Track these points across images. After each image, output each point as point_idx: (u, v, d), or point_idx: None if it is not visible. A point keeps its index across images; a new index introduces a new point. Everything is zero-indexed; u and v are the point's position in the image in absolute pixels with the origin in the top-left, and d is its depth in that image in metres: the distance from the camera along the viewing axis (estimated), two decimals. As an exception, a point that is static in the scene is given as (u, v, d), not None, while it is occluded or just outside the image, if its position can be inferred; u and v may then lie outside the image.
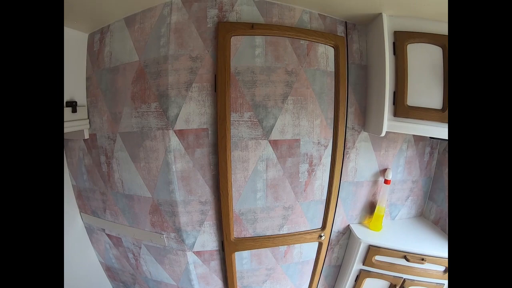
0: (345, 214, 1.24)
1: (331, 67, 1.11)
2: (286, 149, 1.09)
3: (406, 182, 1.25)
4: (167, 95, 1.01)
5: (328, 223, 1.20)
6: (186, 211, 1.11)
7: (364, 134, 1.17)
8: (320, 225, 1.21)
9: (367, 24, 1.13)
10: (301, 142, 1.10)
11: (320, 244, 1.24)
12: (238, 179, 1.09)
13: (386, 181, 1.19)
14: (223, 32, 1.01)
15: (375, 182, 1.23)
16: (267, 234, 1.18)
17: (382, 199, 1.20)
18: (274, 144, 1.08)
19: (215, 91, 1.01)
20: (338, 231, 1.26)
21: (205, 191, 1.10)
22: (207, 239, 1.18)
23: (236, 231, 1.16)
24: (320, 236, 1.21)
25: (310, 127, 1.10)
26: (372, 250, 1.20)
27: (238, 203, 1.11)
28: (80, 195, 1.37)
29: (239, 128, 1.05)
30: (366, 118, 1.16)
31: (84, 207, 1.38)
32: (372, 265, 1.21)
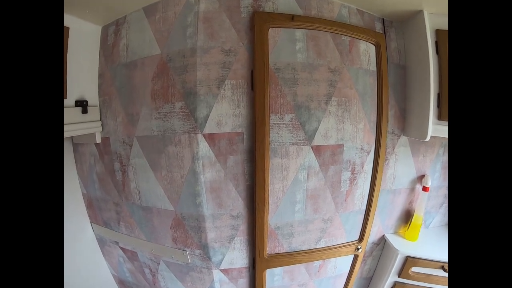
0: (381, 224, 0.91)
1: (373, 66, 0.78)
2: (329, 155, 0.75)
3: (441, 188, 0.93)
4: (195, 93, 0.66)
5: (366, 235, 0.86)
6: (214, 226, 0.74)
7: (403, 139, 0.85)
8: (357, 237, 0.86)
9: (405, 22, 0.82)
10: (344, 148, 0.76)
11: (356, 257, 0.89)
12: (276, 190, 0.73)
13: (425, 188, 0.87)
14: (260, 23, 0.66)
15: (412, 190, 0.90)
16: (303, 249, 0.82)
17: (420, 208, 0.88)
18: (317, 150, 0.73)
19: (252, 89, 0.67)
20: (372, 242, 0.92)
21: (237, 204, 0.73)
22: (237, 256, 0.80)
23: (270, 247, 0.79)
24: (357, 249, 0.86)
25: (353, 131, 0.76)
26: (409, 261, 0.86)
27: (275, 216, 0.75)
28: (91, 205, 0.95)
29: (279, 132, 0.70)
30: (406, 122, 0.84)
31: (95, 218, 0.97)
32: (408, 277, 0.88)
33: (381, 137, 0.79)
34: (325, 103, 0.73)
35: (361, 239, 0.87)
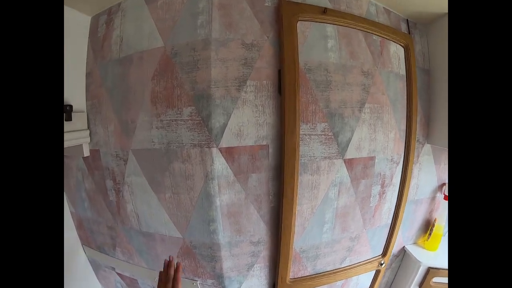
0: (402, 236, 0.76)
1: (402, 70, 0.63)
2: (361, 169, 0.59)
3: (458, 197, 0.87)
4: (209, 96, 0.46)
5: (389, 249, 0.71)
6: (231, 254, 0.55)
7: (427, 147, 0.71)
8: (381, 252, 0.71)
9: (430, 24, 0.68)
10: (376, 160, 0.60)
11: (378, 272, 0.74)
12: (304, 210, 0.55)
13: (446, 197, 0.74)
14: (289, 14, 0.48)
15: (433, 199, 0.77)
16: (328, 269, 0.65)
17: (441, 217, 0.75)
18: (349, 164, 0.57)
19: (280, 92, 0.49)
20: (393, 254, 0.76)
21: (259, 229, 0.55)
22: (255, 284, 0.61)
23: (293, 271, 0.61)
24: (381, 264, 0.71)
25: (385, 142, 0.61)
26: (431, 272, 0.75)
27: (301, 239, 0.58)
28: (81, 225, 0.72)
29: (311, 144, 0.52)
30: (430, 129, 0.70)
31: (86, 240, 0.73)
32: None
33: (410, 147, 0.65)
34: (359, 110, 0.57)
35: (384, 253, 0.72)
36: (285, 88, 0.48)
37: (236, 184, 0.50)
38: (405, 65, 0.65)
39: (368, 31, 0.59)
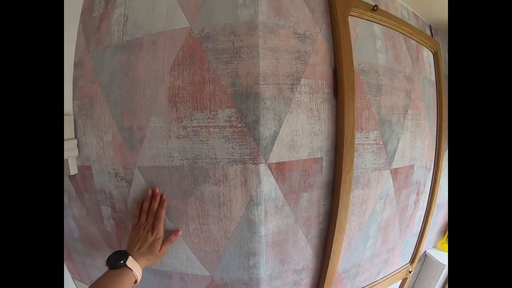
0: (425, 241, 0.70)
1: (433, 76, 0.56)
2: (403, 179, 0.49)
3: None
4: (256, 94, 0.30)
5: (417, 256, 0.63)
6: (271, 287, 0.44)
7: (447, 152, 0.64)
8: (409, 259, 0.63)
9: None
10: (414, 168, 0.51)
11: (404, 280, 0.65)
12: (352, 228, 0.43)
13: None
14: (342, 6, 0.36)
15: None
16: (365, 285, 0.54)
17: None
18: (395, 174, 0.47)
19: (335, 95, 0.36)
20: None
21: (305, 255, 0.41)
22: None
23: None
24: (409, 272, 0.62)
25: (422, 149, 0.52)
26: None
27: (345, 259, 0.46)
28: (70, 257, 0.50)
29: (364, 155, 0.40)
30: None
31: (78, 274, 0.51)
32: None
33: (440, 153, 0.59)
34: (403, 116, 0.47)
35: (412, 261, 0.65)
36: (343, 91, 0.35)
37: (285, 207, 0.36)
38: (435, 71, 0.60)
39: (407, 34, 0.52)
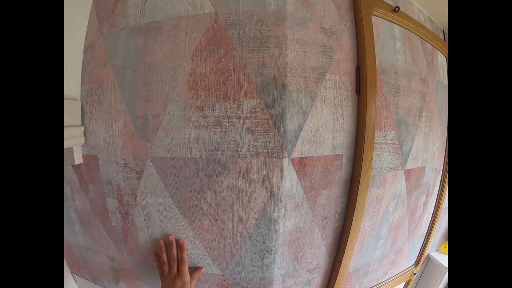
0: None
1: (446, 80, 0.57)
2: (414, 180, 0.50)
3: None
4: (283, 86, 0.30)
5: (422, 258, 0.64)
6: (283, 287, 0.44)
7: None
8: (414, 261, 0.64)
9: None
10: (426, 170, 0.53)
11: (408, 282, 0.67)
12: (365, 227, 0.44)
13: None
14: (366, 5, 0.36)
15: None
16: (372, 285, 0.55)
17: None
18: (408, 174, 0.48)
19: (357, 93, 0.36)
20: None
21: (319, 254, 0.41)
22: None
23: None
24: (414, 274, 0.64)
25: (433, 151, 0.54)
26: None
27: (357, 259, 0.46)
28: (69, 251, 0.48)
29: (381, 154, 0.41)
30: None
31: (78, 269, 0.49)
32: None
33: (448, 156, 0.62)
34: (418, 118, 0.48)
35: (417, 263, 0.66)
36: (366, 89, 0.36)
37: (304, 204, 0.35)
38: (448, 76, 0.63)
39: (424, 38, 0.54)
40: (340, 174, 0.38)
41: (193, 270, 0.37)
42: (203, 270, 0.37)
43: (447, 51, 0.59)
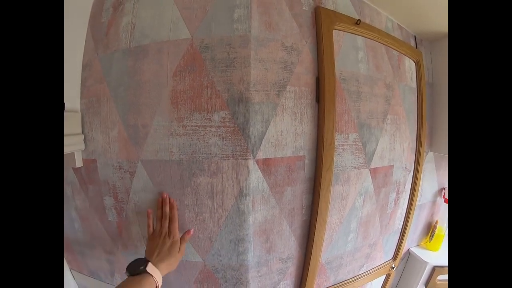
0: (407, 239, 0.75)
1: (414, 84, 0.65)
2: (382, 178, 0.57)
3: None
4: (247, 99, 0.39)
5: (400, 253, 0.71)
6: (259, 275, 0.47)
7: (430, 155, 0.74)
8: (391, 256, 0.71)
9: (434, 41, 0.71)
10: (394, 169, 0.60)
11: (388, 276, 0.73)
12: (333, 221, 0.51)
13: (446, 200, 0.78)
14: (327, 21, 0.44)
15: (433, 203, 0.80)
16: (348, 278, 0.62)
17: (443, 219, 0.79)
18: (374, 173, 0.55)
19: (317, 101, 0.44)
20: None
21: (289, 245, 0.48)
22: None
23: (317, 283, 0.56)
24: (392, 268, 0.71)
25: (401, 151, 0.61)
26: (436, 270, 0.75)
27: (328, 251, 0.54)
28: (69, 247, 0.56)
29: (343, 154, 0.49)
30: (433, 138, 0.74)
31: (76, 264, 0.58)
32: (435, 285, 0.77)
33: (420, 155, 0.67)
34: (382, 121, 0.55)
35: (395, 257, 0.73)
36: (324, 97, 0.44)
37: (271, 199, 0.43)
38: (416, 79, 0.68)
39: (389, 45, 0.60)
40: (303, 173, 0.45)
41: (182, 233, 0.39)
42: (192, 232, 0.39)
43: (415, 55, 0.66)
